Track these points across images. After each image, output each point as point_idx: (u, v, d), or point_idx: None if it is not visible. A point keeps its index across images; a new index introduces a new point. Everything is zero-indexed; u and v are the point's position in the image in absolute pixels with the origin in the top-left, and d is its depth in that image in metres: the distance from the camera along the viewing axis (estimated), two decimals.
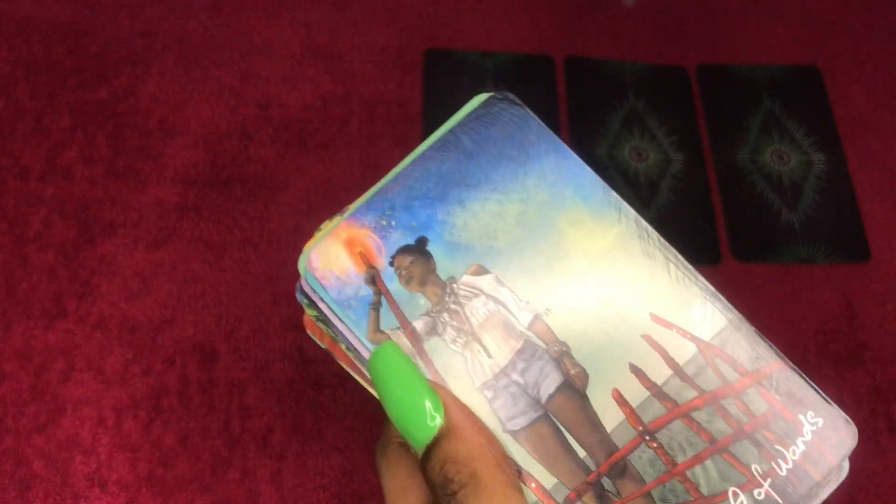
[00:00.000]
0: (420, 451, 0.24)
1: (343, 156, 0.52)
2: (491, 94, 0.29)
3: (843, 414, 0.26)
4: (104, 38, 0.54)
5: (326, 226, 0.28)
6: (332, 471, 0.44)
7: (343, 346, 0.27)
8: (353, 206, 0.28)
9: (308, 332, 0.28)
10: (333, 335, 0.27)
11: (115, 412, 0.44)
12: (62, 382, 0.44)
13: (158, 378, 0.45)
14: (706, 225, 0.53)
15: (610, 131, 0.55)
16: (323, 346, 0.28)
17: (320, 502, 0.43)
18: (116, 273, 0.47)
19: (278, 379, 0.45)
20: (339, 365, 0.27)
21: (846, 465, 0.26)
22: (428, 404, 0.24)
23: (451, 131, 0.28)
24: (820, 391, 0.26)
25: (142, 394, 0.44)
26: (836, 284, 0.52)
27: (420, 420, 0.24)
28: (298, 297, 0.28)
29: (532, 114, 0.28)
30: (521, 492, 0.24)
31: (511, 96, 0.28)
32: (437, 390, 0.25)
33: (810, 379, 0.26)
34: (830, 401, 0.26)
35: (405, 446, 0.28)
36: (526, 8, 0.59)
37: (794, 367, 0.26)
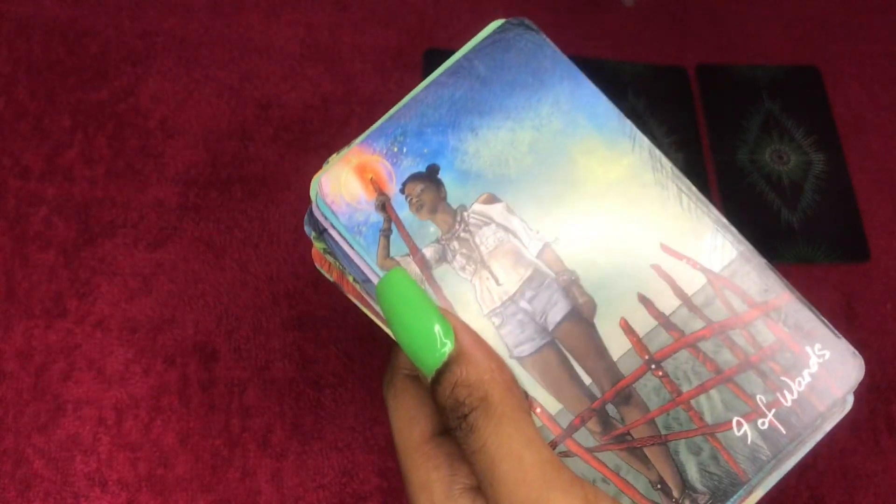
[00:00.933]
0: (430, 376, 0.24)
1: None
2: (506, 19, 0.28)
3: (850, 347, 0.26)
4: (104, 38, 0.54)
5: (334, 157, 0.28)
6: (332, 471, 0.44)
7: (351, 279, 0.27)
8: (364, 133, 0.28)
9: (316, 265, 0.28)
10: (342, 267, 0.27)
11: (116, 412, 0.44)
12: (62, 382, 0.44)
13: (159, 378, 0.45)
14: None
15: None
16: (331, 278, 0.28)
17: (320, 502, 0.43)
18: (117, 273, 0.47)
19: (278, 379, 0.45)
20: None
21: (850, 399, 0.26)
22: (438, 329, 0.24)
23: (464, 57, 0.28)
24: (828, 324, 0.26)
25: (142, 393, 0.44)
26: (836, 284, 0.52)
27: (430, 345, 0.24)
28: (306, 228, 0.28)
29: (548, 40, 0.28)
30: (530, 415, 0.24)
31: (527, 22, 0.28)
32: (447, 316, 0.25)
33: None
34: (839, 334, 0.26)
35: (412, 378, 0.28)
36: (526, 8, 0.59)
37: (804, 299, 0.26)
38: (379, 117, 0.28)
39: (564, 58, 0.28)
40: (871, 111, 0.58)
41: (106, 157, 0.51)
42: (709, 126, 0.56)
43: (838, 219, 0.54)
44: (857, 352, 0.26)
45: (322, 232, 0.27)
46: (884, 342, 0.50)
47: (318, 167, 0.26)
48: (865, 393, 0.48)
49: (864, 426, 0.48)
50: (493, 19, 0.29)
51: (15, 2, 0.55)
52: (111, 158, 0.51)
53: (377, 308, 0.27)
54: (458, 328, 0.25)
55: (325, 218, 0.27)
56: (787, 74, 0.59)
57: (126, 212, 0.49)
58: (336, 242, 0.27)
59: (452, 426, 0.24)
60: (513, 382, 0.25)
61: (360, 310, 0.27)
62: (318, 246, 0.28)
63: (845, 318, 0.51)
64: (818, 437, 0.25)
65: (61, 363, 0.45)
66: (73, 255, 0.48)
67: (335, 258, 0.27)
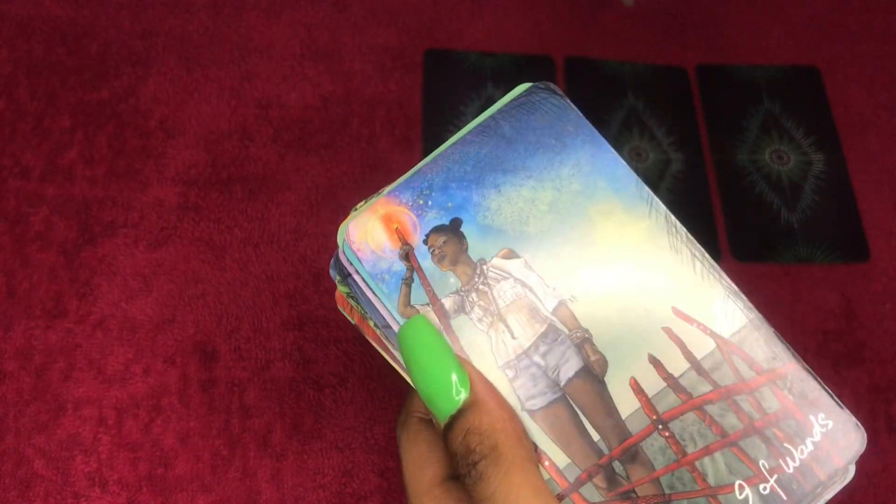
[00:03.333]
0: (444, 421, 0.25)
1: (343, 156, 0.52)
2: (533, 83, 0.29)
3: (853, 419, 0.26)
4: (104, 38, 0.54)
5: (362, 206, 0.28)
6: (332, 470, 0.44)
7: (372, 323, 0.28)
8: (392, 185, 0.28)
9: (339, 307, 0.29)
10: (363, 311, 0.28)
11: (116, 412, 0.44)
12: (63, 382, 0.44)
13: (159, 378, 0.45)
14: (705, 225, 0.53)
15: (609, 131, 0.55)
16: (353, 321, 0.28)
17: (320, 502, 0.43)
18: (117, 273, 0.47)
19: (278, 379, 0.45)
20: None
21: (853, 469, 0.26)
22: (454, 377, 0.25)
23: (492, 117, 0.29)
24: (833, 395, 0.26)
25: (142, 393, 0.44)
26: (836, 284, 0.52)
27: (446, 391, 0.25)
28: (332, 272, 0.28)
29: (571, 105, 0.29)
30: (538, 467, 0.25)
31: (552, 86, 0.29)
32: (464, 365, 0.26)
33: None
34: (842, 405, 0.26)
35: (425, 421, 0.28)
36: (526, 8, 0.59)
37: (810, 369, 0.27)
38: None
39: (587, 122, 0.29)
40: (871, 111, 0.58)
41: (106, 157, 0.51)
42: (709, 126, 0.56)
43: (838, 219, 0.54)
44: (859, 423, 0.26)
45: (346, 276, 0.28)
46: (884, 342, 0.50)
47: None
48: (865, 393, 0.49)
49: (863, 426, 0.48)
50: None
51: (15, 2, 0.55)
52: (111, 158, 0.51)
53: (396, 353, 0.27)
54: (473, 377, 0.25)
55: (351, 264, 0.28)
56: (787, 74, 0.59)
57: (126, 212, 0.49)
58: (359, 287, 0.28)
59: (462, 472, 0.24)
60: (523, 433, 0.25)
61: (379, 353, 0.28)
62: (341, 290, 0.28)
63: (845, 318, 0.51)
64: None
65: (61, 363, 0.45)
66: (73, 255, 0.48)
67: (357, 303, 0.28)
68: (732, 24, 0.60)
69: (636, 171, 0.29)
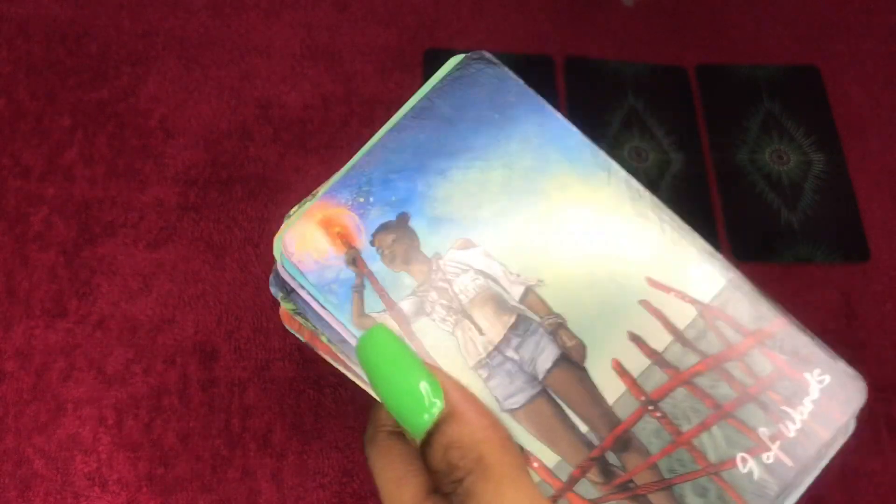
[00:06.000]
0: (419, 437, 0.23)
1: (343, 156, 0.52)
2: (465, 54, 0.27)
3: (850, 369, 0.25)
4: (104, 38, 0.54)
5: (296, 211, 0.26)
6: (332, 470, 0.44)
7: (325, 339, 0.26)
8: (326, 185, 0.26)
9: (285, 325, 0.27)
10: (313, 327, 0.26)
11: (116, 412, 0.44)
12: (63, 382, 0.44)
13: (159, 377, 0.45)
14: (705, 224, 0.53)
15: (610, 131, 0.55)
16: (303, 339, 0.26)
17: (320, 502, 0.43)
18: (117, 273, 0.47)
19: (278, 379, 0.45)
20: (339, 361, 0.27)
21: (853, 422, 0.25)
22: (425, 387, 0.23)
23: (426, 97, 0.27)
24: (826, 347, 0.25)
25: (142, 393, 0.44)
26: (836, 284, 0.52)
27: (418, 405, 0.23)
28: (272, 289, 0.26)
29: (511, 72, 0.27)
30: (528, 473, 0.23)
31: (487, 55, 0.27)
32: (434, 372, 0.24)
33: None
34: (837, 356, 0.25)
35: (396, 434, 0.26)
36: (526, 8, 0.59)
37: (799, 323, 0.25)
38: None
39: (530, 91, 0.27)
40: (871, 111, 0.58)
41: (106, 157, 0.51)
42: (709, 126, 0.56)
43: (838, 218, 0.54)
44: (858, 373, 0.25)
45: (290, 292, 0.26)
46: (884, 342, 0.50)
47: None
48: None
49: (864, 426, 0.48)
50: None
51: (15, 2, 0.55)
52: (111, 158, 0.51)
53: (355, 368, 0.25)
54: (446, 385, 0.23)
55: (293, 277, 0.25)
56: (787, 74, 0.59)
57: (126, 212, 0.49)
58: (306, 302, 0.25)
59: (447, 490, 0.23)
60: (507, 439, 0.23)
61: (338, 370, 0.26)
62: (286, 306, 0.26)
63: (845, 318, 0.51)
64: (823, 464, 0.24)
65: (61, 363, 0.45)
66: (73, 255, 0.48)
67: (306, 318, 0.26)
68: (732, 24, 0.60)
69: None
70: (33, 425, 0.43)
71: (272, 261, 0.45)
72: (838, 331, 0.50)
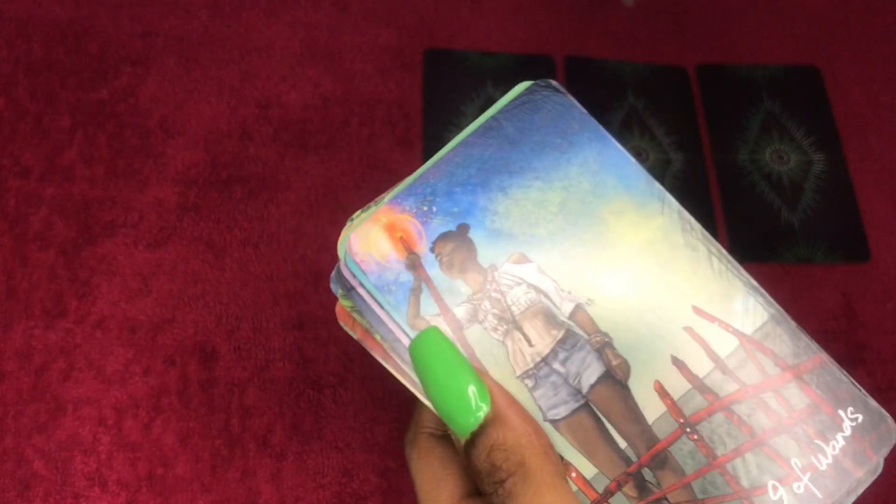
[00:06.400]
0: (464, 438, 0.24)
1: (343, 156, 0.52)
2: (534, 81, 0.28)
3: (883, 411, 0.26)
4: (104, 38, 0.54)
5: (360, 215, 0.27)
6: (332, 471, 0.44)
7: (378, 337, 0.27)
8: (392, 192, 0.27)
9: (340, 322, 0.28)
10: (368, 325, 0.27)
11: (116, 412, 0.44)
12: (62, 382, 0.44)
13: (158, 378, 0.45)
14: (706, 225, 0.53)
15: (610, 131, 0.55)
16: (355, 336, 0.27)
17: (320, 502, 0.43)
18: (116, 273, 0.47)
19: (278, 379, 0.45)
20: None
21: (881, 463, 0.26)
22: (473, 391, 0.24)
23: (493, 118, 0.28)
24: (860, 387, 0.26)
25: (142, 393, 0.44)
26: (836, 284, 0.52)
27: (466, 407, 0.24)
28: (333, 286, 0.27)
29: (575, 102, 0.28)
30: (566, 481, 0.24)
31: (554, 83, 0.28)
32: (482, 377, 0.25)
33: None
34: (870, 397, 0.26)
35: (436, 437, 0.27)
36: (526, 8, 0.59)
37: (835, 362, 0.26)
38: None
39: (591, 119, 0.28)
40: (871, 111, 0.58)
41: (106, 157, 0.51)
42: (709, 126, 0.56)
43: (838, 218, 0.54)
44: (889, 416, 0.26)
45: (350, 290, 0.27)
46: (884, 342, 0.50)
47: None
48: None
49: None
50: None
51: (15, 2, 0.55)
52: (111, 158, 0.51)
53: (404, 367, 0.26)
54: (493, 390, 0.24)
55: (354, 276, 0.26)
56: (787, 74, 0.59)
57: (126, 212, 0.49)
58: (364, 301, 0.27)
59: (489, 491, 0.24)
60: (549, 447, 0.24)
61: (388, 370, 0.27)
62: (344, 304, 0.27)
63: (845, 318, 0.51)
64: (850, 501, 0.26)
65: (61, 363, 0.45)
66: (73, 255, 0.47)
67: (362, 316, 0.27)
68: (732, 24, 0.60)
69: None
70: (33, 425, 0.43)
71: (272, 260, 0.45)
72: (838, 331, 0.50)
